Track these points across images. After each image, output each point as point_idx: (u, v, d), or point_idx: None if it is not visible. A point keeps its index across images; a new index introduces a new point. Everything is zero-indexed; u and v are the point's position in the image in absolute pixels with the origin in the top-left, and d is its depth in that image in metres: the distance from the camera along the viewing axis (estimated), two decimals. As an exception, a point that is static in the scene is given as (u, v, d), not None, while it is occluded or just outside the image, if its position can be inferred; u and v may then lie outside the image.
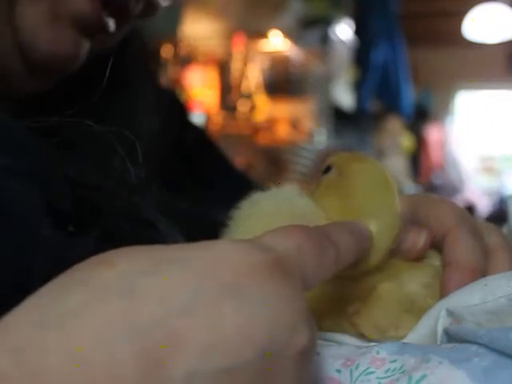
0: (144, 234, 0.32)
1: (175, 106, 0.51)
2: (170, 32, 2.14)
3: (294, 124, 2.61)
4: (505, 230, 0.38)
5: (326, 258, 0.22)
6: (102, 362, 0.15)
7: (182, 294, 0.17)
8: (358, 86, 3.08)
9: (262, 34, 2.46)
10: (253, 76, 2.49)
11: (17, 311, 0.17)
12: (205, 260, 0.19)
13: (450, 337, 0.25)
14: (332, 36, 2.69)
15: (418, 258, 0.30)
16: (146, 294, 0.17)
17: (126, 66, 0.40)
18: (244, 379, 0.17)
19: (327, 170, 0.32)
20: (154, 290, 0.17)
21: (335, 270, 0.23)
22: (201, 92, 2.46)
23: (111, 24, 0.32)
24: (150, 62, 0.46)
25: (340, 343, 0.29)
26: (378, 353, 0.24)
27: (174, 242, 0.33)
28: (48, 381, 0.15)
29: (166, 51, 2.27)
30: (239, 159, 2.39)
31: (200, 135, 0.53)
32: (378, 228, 0.28)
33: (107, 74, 0.35)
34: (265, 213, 0.29)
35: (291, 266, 0.20)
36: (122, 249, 0.19)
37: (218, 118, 2.50)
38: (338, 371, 0.24)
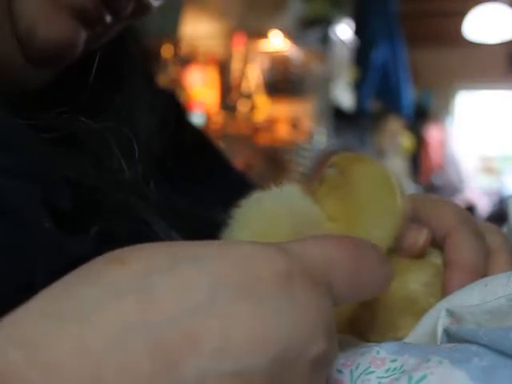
0: (141, 233, 0.32)
1: (173, 106, 0.51)
2: (170, 32, 2.14)
3: (294, 124, 2.61)
4: (505, 229, 0.38)
5: (365, 273, 0.21)
6: (114, 360, 0.15)
7: (197, 293, 0.17)
8: (358, 86, 3.08)
9: (262, 34, 2.46)
10: (253, 76, 2.49)
11: (30, 304, 0.17)
12: (223, 260, 0.18)
13: (450, 337, 0.25)
14: (332, 36, 2.69)
15: (419, 255, 0.30)
16: (160, 293, 0.17)
17: (122, 66, 0.41)
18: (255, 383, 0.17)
19: (329, 170, 0.32)
20: (169, 288, 0.17)
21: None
22: (201, 92, 2.46)
23: (108, 17, 0.32)
24: (147, 62, 0.46)
25: (340, 343, 0.29)
26: (378, 353, 0.24)
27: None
28: (57, 376, 0.15)
29: (166, 51, 2.27)
30: (239, 159, 2.39)
31: (199, 136, 0.53)
32: (379, 229, 0.28)
33: (100, 72, 0.35)
34: (266, 212, 0.29)
35: (316, 276, 0.20)
36: (136, 246, 0.19)
37: (218, 117, 2.50)
38: (339, 371, 0.24)
